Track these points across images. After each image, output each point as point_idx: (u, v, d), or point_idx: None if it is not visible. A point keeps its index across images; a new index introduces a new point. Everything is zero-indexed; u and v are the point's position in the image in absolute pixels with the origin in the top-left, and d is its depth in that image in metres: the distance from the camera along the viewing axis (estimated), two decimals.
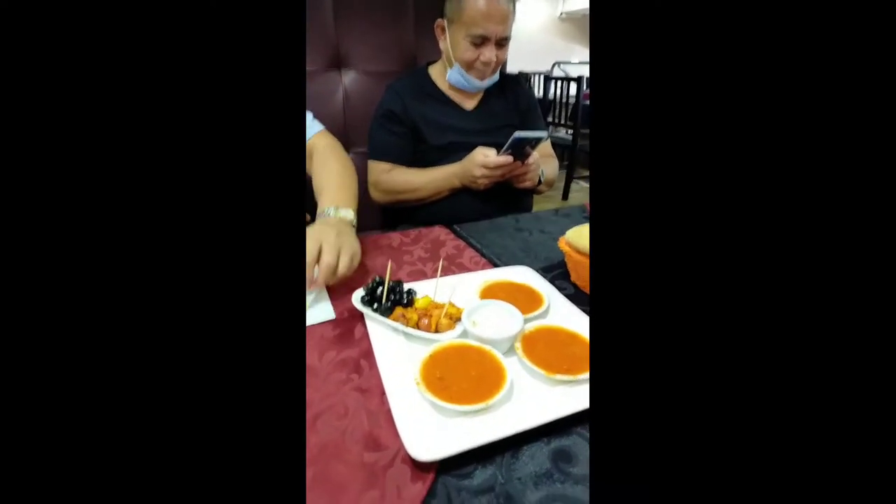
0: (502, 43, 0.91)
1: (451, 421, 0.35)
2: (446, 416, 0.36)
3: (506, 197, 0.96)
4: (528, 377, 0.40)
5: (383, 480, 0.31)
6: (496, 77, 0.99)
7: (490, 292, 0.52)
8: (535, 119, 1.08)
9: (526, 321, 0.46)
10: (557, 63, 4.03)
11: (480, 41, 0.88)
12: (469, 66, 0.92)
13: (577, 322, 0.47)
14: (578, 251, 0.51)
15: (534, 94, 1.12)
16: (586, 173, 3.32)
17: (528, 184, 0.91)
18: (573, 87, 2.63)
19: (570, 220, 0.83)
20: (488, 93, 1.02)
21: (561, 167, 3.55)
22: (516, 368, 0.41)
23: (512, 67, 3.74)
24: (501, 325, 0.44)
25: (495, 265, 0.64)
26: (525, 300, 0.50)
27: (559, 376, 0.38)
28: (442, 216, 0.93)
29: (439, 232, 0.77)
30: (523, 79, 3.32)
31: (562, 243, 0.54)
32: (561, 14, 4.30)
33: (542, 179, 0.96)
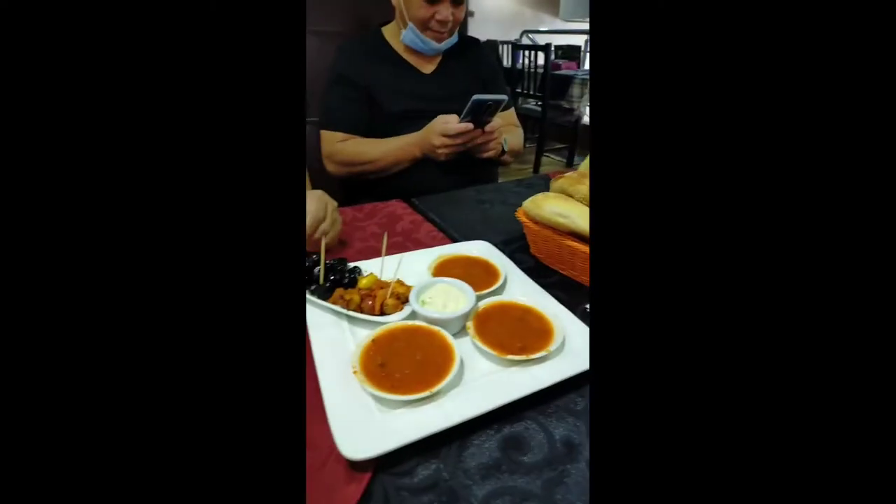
0: (459, 1, 0.84)
1: (392, 413, 0.32)
2: (388, 407, 0.32)
3: (469, 168, 0.91)
4: (481, 359, 0.37)
5: (313, 484, 0.28)
6: (455, 38, 0.93)
7: (443, 269, 0.48)
8: (499, 86, 1.03)
9: (480, 298, 0.42)
10: (526, 32, 3.92)
11: None
12: (424, 26, 0.85)
13: (533, 296, 0.44)
14: (535, 221, 0.48)
15: (496, 60, 1.06)
16: (557, 145, 3.30)
17: (490, 153, 0.86)
18: (541, 57, 2.56)
19: (533, 190, 0.79)
20: (448, 56, 0.95)
21: (530, 139, 3.54)
22: (468, 350, 0.38)
23: (479, 36, 3.62)
24: (453, 304, 0.40)
25: (454, 240, 0.60)
26: (480, 276, 0.47)
27: (512, 357, 0.35)
28: (403, 189, 0.88)
29: (395, 206, 0.72)
30: (485, 43, 3.24)
31: (519, 214, 0.51)
32: None
33: (505, 149, 0.92)
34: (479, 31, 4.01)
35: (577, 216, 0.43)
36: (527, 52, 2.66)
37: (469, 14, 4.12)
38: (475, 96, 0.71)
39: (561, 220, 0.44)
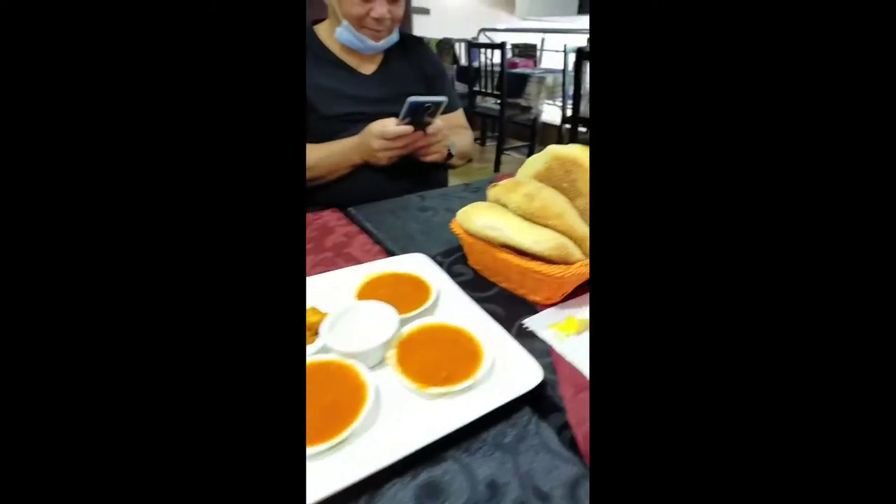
0: None
1: None
2: None
3: (415, 173, 0.88)
4: (402, 393, 0.34)
5: None
6: (395, 37, 0.89)
7: (370, 289, 0.44)
8: (444, 86, 0.99)
9: (405, 322, 0.39)
10: (483, 30, 3.92)
11: None
12: (359, 24, 0.81)
13: (465, 315, 0.41)
14: (469, 234, 0.45)
15: (440, 59, 1.03)
16: (518, 143, 3.33)
17: (435, 156, 0.82)
18: (498, 55, 2.56)
19: (480, 195, 0.77)
20: (389, 55, 0.91)
21: (490, 138, 3.56)
22: (389, 384, 0.34)
23: (435, 34, 3.59)
24: (373, 332, 0.36)
25: (390, 253, 0.57)
26: (409, 295, 0.43)
27: (434, 389, 0.32)
28: (344, 197, 0.83)
29: (328, 217, 0.67)
30: (442, 41, 3.19)
31: (454, 225, 0.48)
32: None
33: (452, 152, 0.89)
34: (436, 28, 3.97)
35: (509, 228, 0.40)
36: (483, 51, 2.65)
37: (425, 11, 4.07)
38: (410, 98, 0.68)
39: (492, 233, 0.42)
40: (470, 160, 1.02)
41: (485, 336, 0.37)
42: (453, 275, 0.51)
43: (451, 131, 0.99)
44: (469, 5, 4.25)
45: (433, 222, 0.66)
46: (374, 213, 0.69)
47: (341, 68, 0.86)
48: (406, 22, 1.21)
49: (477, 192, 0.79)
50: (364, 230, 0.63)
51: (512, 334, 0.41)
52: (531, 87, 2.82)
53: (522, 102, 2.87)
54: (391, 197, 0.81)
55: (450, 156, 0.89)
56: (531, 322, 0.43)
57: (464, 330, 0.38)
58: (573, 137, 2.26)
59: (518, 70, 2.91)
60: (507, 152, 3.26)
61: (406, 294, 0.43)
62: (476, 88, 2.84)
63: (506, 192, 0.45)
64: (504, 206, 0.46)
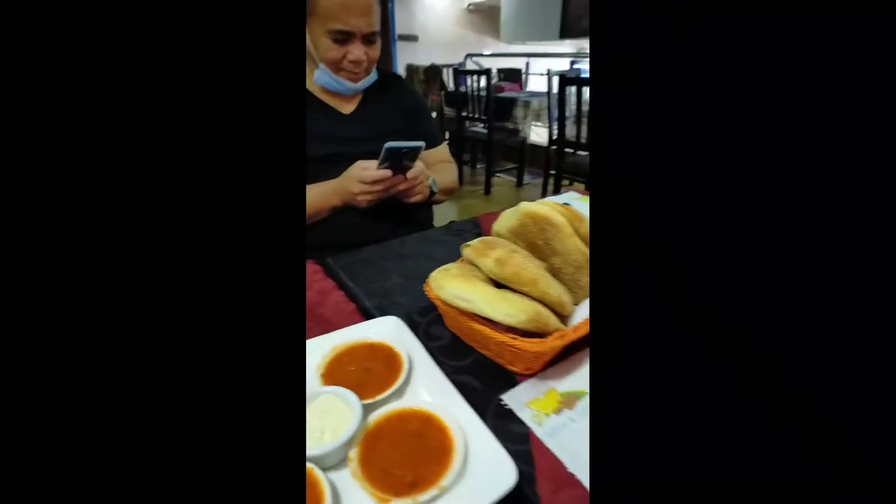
0: (371, 39, 0.80)
1: None
2: None
3: (397, 213, 0.86)
4: (364, 499, 0.31)
5: None
6: (373, 77, 0.88)
7: (337, 366, 0.41)
8: (423, 121, 0.99)
9: (373, 408, 0.36)
10: (470, 56, 4.00)
11: (343, 38, 0.76)
12: (336, 67, 0.80)
13: (438, 396, 0.38)
14: (443, 302, 0.42)
15: (419, 94, 1.03)
16: (508, 165, 3.34)
17: (417, 198, 0.81)
18: (484, 80, 2.59)
19: (462, 238, 0.75)
20: (368, 93, 0.90)
21: (480, 160, 3.58)
22: (349, 487, 0.31)
23: (423, 60, 3.65)
24: (332, 427, 0.33)
25: (365, 313, 0.54)
26: (378, 373, 0.40)
27: (397, 501, 0.29)
28: (324, 240, 0.81)
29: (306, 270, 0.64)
30: (429, 68, 3.24)
31: (427, 289, 0.45)
32: (468, 5, 4.27)
33: (434, 190, 0.87)
34: (424, 55, 4.05)
35: (480, 300, 0.38)
36: (470, 77, 2.69)
37: (413, 38, 4.15)
38: (387, 144, 0.67)
39: (463, 304, 0.39)
40: (454, 192, 1.01)
41: (457, 423, 0.35)
42: (430, 338, 0.48)
43: (434, 167, 0.98)
44: (456, 31, 4.35)
45: (414, 271, 0.63)
46: (352, 263, 0.66)
47: (321, 110, 0.85)
48: (386, 56, 1.21)
49: (459, 235, 0.77)
50: (340, 285, 0.60)
51: (489, 414, 0.38)
52: (518, 111, 2.85)
53: (510, 125, 2.89)
54: (372, 238, 0.79)
55: (432, 193, 0.87)
56: (509, 398, 0.40)
57: (434, 417, 0.35)
58: (560, 159, 2.27)
59: (504, 94, 2.95)
60: (498, 175, 3.28)
61: (375, 372, 0.40)
62: (464, 113, 2.87)
63: (478, 254, 0.43)
64: (477, 267, 0.44)
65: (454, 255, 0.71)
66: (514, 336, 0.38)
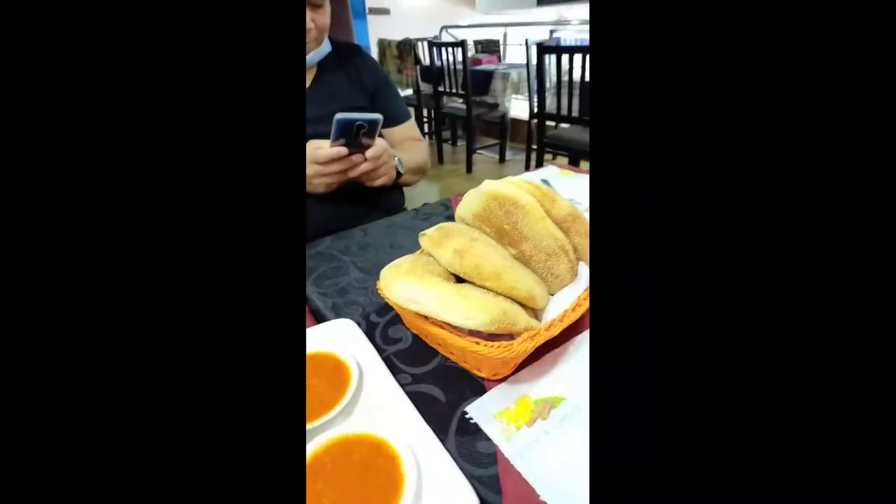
0: (317, 3, 0.70)
1: None
2: None
3: (362, 198, 0.78)
4: None
5: None
6: (326, 48, 0.79)
7: None
8: (390, 98, 0.90)
9: (315, 433, 0.30)
10: (445, 28, 3.83)
11: None
12: None
13: (391, 413, 0.33)
14: (396, 303, 0.36)
15: (381, 67, 0.93)
16: (489, 142, 3.25)
17: (382, 180, 0.73)
18: (460, 53, 2.47)
19: (429, 223, 0.67)
20: (323, 68, 0.81)
21: (460, 138, 3.47)
22: None
23: (396, 34, 3.48)
24: None
25: (317, 316, 0.48)
26: (324, 389, 0.34)
27: None
28: None
29: None
30: (402, 42, 3.09)
31: (380, 288, 0.39)
32: None
33: (401, 171, 0.80)
34: (398, 28, 3.85)
35: (433, 300, 0.32)
36: (445, 49, 2.56)
37: (385, 12, 3.94)
38: (338, 115, 0.59)
39: (415, 306, 0.33)
40: (425, 172, 0.94)
41: (411, 448, 0.29)
42: (389, 341, 0.43)
43: (400, 146, 0.91)
44: (430, 3, 4.14)
45: (373, 266, 0.57)
46: (308, 257, 0.59)
47: None
48: (345, 28, 1.10)
49: (427, 220, 0.70)
50: None
51: (451, 431, 0.33)
52: (496, 84, 2.74)
53: (489, 100, 2.79)
54: (337, 227, 0.72)
55: (398, 175, 0.80)
56: (475, 410, 0.34)
57: (384, 444, 0.30)
58: (541, 132, 2.19)
59: (482, 67, 2.83)
60: (480, 151, 3.19)
61: (317, 390, 0.34)
62: (441, 89, 2.74)
63: (434, 245, 0.36)
64: (434, 259, 0.37)
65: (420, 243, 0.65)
66: (478, 340, 0.32)
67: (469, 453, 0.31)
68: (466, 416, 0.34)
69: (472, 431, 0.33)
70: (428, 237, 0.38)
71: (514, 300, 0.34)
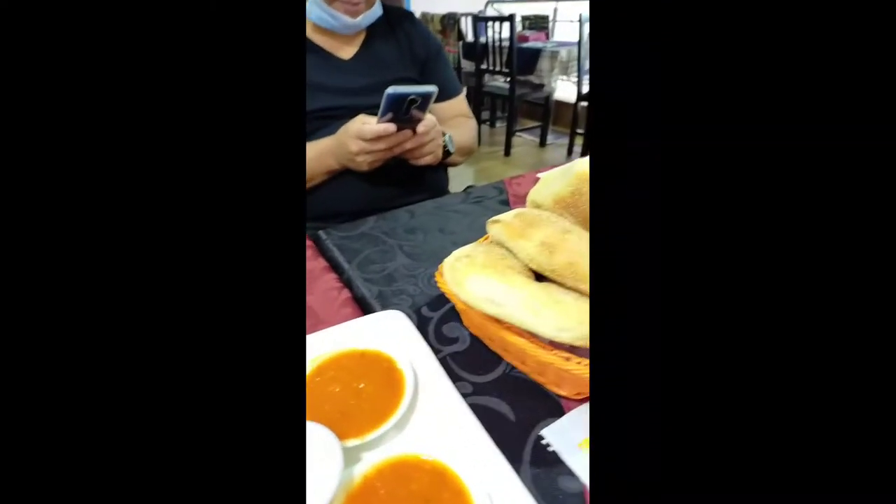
0: None
1: None
2: None
3: (406, 177, 0.73)
4: None
5: None
6: (378, 11, 0.73)
7: (318, 384, 0.30)
8: (442, 69, 0.83)
9: (360, 451, 0.25)
10: (491, 2, 3.64)
11: None
12: None
13: (452, 432, 0.27)
14: (460, 300, 0.30)
15: (434, 36, 0.86)
16: (530, 124, 3.11)
17: (428, 158, 0.67)
18: (507, 29, 2.33)
19: (482, 207, 0.62)
20: (372, 34, 0.75)
21: (500, 118, 3.34)
22: None
23: (440, 8, 3.36)
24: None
25: (360, 304, 0.43)
26: (374, 395, 0.29)
27: None
28: (319, 209, 0.69)
29: None
30: (446, 17, 2.96)
31: (439, 279, 0.33)
32: None
33: (451, 150, 0.73)
34: (441, 2, 3.71)
35: (518, 305, 0.26)
36: (491, 24, 2.43)
37: None
38: (389, 89, 0.53)
39: (493, 308, 0.27)
40: (472, 153, 0.87)
41: (480, 479, 0.24)
42: (443, 340, 0.37)
43: (450, 122, 0.84)
44: None
45: (423, 251, 0.51)
46: (349, 238, 0.55)
47: (314, 53, 0.71)
48: None
49: (479, 203, 0.64)
50: (333, 266, 0.49)
51: (525, 460, 0.27)
52: (543, 63, 2.59)
53: (534, 79, 2.64)
54: (378, 208, 0.67)
55: (447, 154, 0.73)
56: (553, 435, 0.28)
57: (448, 471, 0.24)
58: (590, 117, 2.05)
59: (529, 44, 2.67)
60: (519, 134, 3.06)
61: (367, 396, 0.29)
62: (484, 66, 2.62)
63: (512, 234, 0.30)
64: (512, 252, 0.31)
65: (474, 229, 0.59)
66: (569, 356, 0.26)
67: (549, 490, 0.26)
68: (543, 442, 0.28)
69: (550, 462, 0.27)
70: (504, 224, 0.31)
71: None
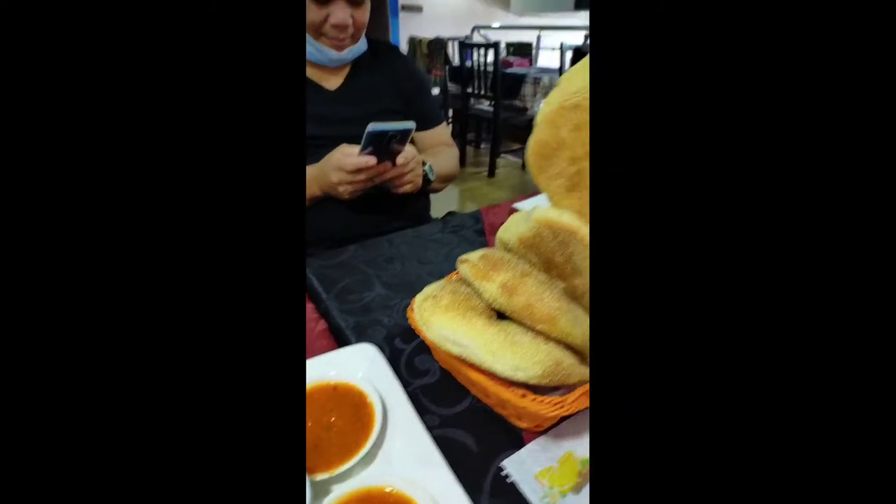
0: (358, 1, 0.67)
1: None
2: None
3: (387, 205, 0.75)
4: None
5: None
6: (363, 46, 0.76)
7: None
8: (424, 100, 0.87)
9: (326, 485, 0.27)
10: (477, 28, 3.77)
11: None
12: (317, 32, 0.68)
13: (419, 458, 0.29)
14: (432, 341, 0.32)
15: (420, 70, 0.90)
16: (514, 146, 3.19)
17: (407, 188, 0.70)
18: (492, 55, 2.42)
19: (458, 237, 0.64)
20: (357, 66, 0.78)
21: (484, 142, 3.42)
22: None
23: (427, 33, 3.45)
24: None
25: (336, 335, 0.44)
26: (344, 428, 0.31)
27: None
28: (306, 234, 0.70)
29: None
30: (433, 41, 3.04)
31: (411, 316, 0.35)
32: None
33: (430, 178, 0.76)
34: (429, 27, 3.82)
35: (478, 347, 0.28)
36: (476, 50, 2.52)
37: (417, 9, 3.92)
38: (370, 127, 0.56)
39: (455, 348, 0.29)
40: (453, 179, 0.90)
41: None
42: (415, 372, 0.39)
43: (432, 151, 0.87)
44: (463, 2, 4.10)
45: (400, 282, 0.53)
46: (329, 267, 0.56)
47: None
48: (382, 27, 1.07)
49: (456, 233, 0.66)
50: (311, 295, 0.50)
51: (485, 491, 0.29)
52: (527, 88, 2.69)
53: (518, 104, 2.73)
54: (360, 234, 0.69)
55: (427, 181, 0.76)
56: (513, 467, 0.30)
57: (409, 501, 0.26)
58: None
59: (513, 70, 2.77)
60: (503, 156, 3.13)
61: (338, 430, 0.31)
62: (469, 90, 2.70)
63: (478, 275, 0.32)
64: (476, 290, 0.33)
65: (450, 259, 0.61)
66: (525, 392, 0.28)
67: None
68: (503, 473, 0.30)
69: (509, 492, 0.29)
70: (471, 265, 0.34)
71: (567, 347, 0.30)
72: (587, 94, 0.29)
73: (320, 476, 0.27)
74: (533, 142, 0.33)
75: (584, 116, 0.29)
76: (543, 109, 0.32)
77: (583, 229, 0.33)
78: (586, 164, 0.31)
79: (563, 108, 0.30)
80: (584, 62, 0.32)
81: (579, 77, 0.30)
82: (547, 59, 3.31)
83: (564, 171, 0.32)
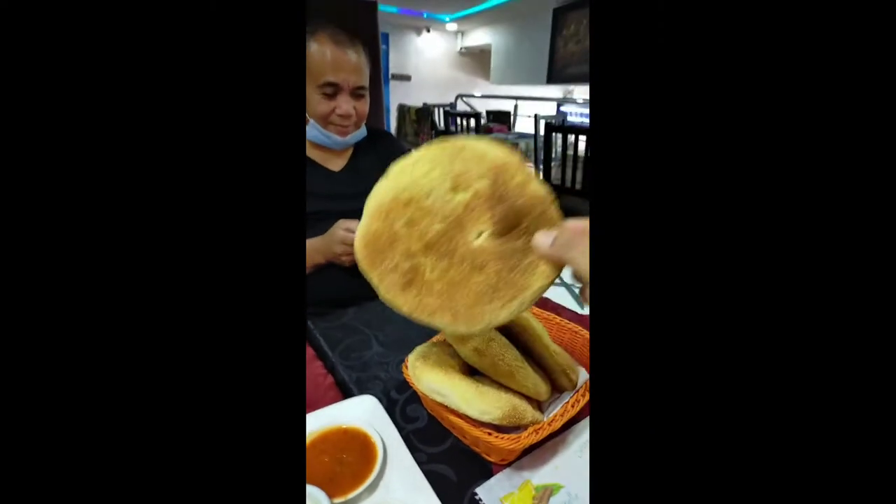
0: (359, 93, 0.83)
1: None
2: None
3: None
4: None
5: None
6: (363, 132, 0.91)
7: (311, 454, 0.41)
8: None
9: None
10: (461, 96, 4.16)
11: (333, 91, 0.79)
12: (325, 121, 0.83)
13: (412, 487, 0.38)
14: (423, 392, 0.42)
15: (407, 150, 1.06)
16: None
17: None
18: (473, 122, 2.68)
19: None
20: (357, 150, 0.93)
21: None
22: None
23: (415, 100, 3.78)
24: None
25: (343, 388, 0.53)
26: (354, 463, 0.40)
27: None
28: (309, 296, 0.81)
29: None
30: (421, 108, 3.32)
31: (405, 371, 0.45)
32: (461, 49, 4.48)
33: None
34: (416, 94, 4.19)
35: (456, 395, 0.38)
36: (460, 118, 2.79)
37: (406, 78, 4.31)
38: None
39: (439, 398, 0.39)
40: None
41: None
42: (407, 419, 0.48)
43: None
44: (448, 72, 4.53)
45: (395, 342, 0.63)
46: (332, 328, 0.66)
47: (309, 165, 0.87)
48: (377, 116, 1.25)
49: None
50: (319, 353, 0.60)
51: None
52: None
53: None
54: (360, 295, 0.79)
55: None
56: (483, 492, 0.39)
57: None
58: None
59: (493, 135, 3.05)
60: None
61: (349, 464, 0.40)
62: None
63: (455, 340, 0.43)
64: (458, 348, 0.44)
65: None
66: (490, 431, 0.38)
67: None
68: (476, 498, 0.39)
69: None
70: (451, 331, 0.45)
71: (522, 395, 0.40)
72: (416, 191, 0.30)
73: (337, 500, 0.36)
74: (364, 232, 0.32)
75: (418, 214, 0.30)
76: (372, 201, 0.32)
77: (533, 320, 0.44)
78: (422, 261, 0.30)
79: (397, 202, 0.30)
80: (414, 158, 0.33)
81: (407, 174, 0.32)
82: (524, 125, 3.64)
83: (399, 265, 0.30)
